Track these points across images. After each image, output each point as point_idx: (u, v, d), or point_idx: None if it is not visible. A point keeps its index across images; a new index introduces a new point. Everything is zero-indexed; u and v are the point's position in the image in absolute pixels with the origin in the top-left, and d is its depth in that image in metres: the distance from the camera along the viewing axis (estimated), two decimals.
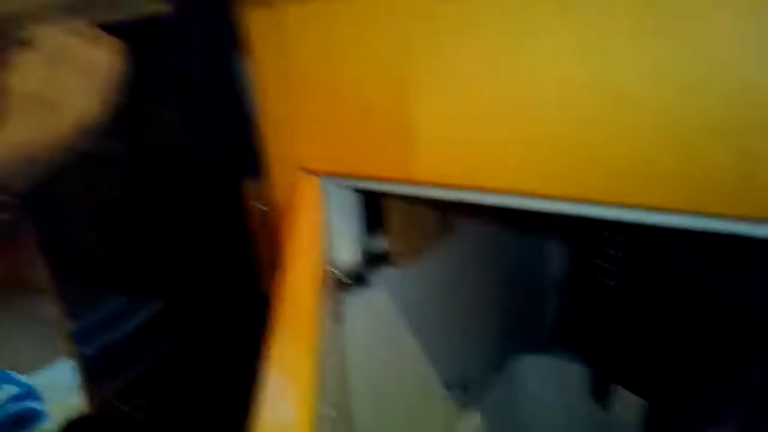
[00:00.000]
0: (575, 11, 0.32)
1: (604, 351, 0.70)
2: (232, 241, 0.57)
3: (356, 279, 0.54)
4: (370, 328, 0.57)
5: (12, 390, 0.60)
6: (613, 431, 0.72)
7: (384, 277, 0.57)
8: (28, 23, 0.41)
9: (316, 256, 0.45)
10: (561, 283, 0.84)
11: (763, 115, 0.28)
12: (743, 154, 0.29)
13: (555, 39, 0.33)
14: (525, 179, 0.37)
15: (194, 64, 0.54)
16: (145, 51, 0.46)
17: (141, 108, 0.53)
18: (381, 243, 0.56)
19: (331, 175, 0.48)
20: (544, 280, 0.92)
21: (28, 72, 0.40)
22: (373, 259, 0.56)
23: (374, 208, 0.55)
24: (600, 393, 0.73)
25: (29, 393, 0.61)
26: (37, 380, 0.61)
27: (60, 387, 0.61)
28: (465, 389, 0.74)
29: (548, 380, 0.82)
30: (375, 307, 0.58)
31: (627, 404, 0.67)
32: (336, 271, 0.51)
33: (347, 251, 0.53)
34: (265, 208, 0.54)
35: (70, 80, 0.41)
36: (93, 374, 0.60)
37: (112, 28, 0.44)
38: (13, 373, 0.61)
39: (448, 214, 0.67)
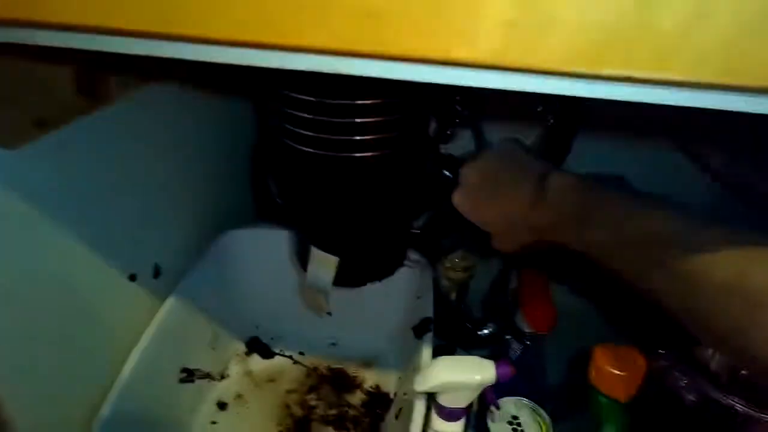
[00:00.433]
0: None
1: (301, 215, 0.70)
2: None
3: None
4: None
5: None
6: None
7: None
8: None
9: None
10: (253, 153, 0.80)
11: None
12: None
13: None
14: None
15: None
16: None
17: None
18: None
19: None
20: (247, 152, 0.87)
21: None
22: None
23: None
24: (302, 256, 0.74)
25: None
26: None
27: None
28: (156, 276, 0.68)
29: (252, 252, 0.80)
30: None
31: (323, 262, 0.69)
32: None
33: None
34: None
35: None
36: None
37: None
38: None
39: (99, 76, 0.55)
